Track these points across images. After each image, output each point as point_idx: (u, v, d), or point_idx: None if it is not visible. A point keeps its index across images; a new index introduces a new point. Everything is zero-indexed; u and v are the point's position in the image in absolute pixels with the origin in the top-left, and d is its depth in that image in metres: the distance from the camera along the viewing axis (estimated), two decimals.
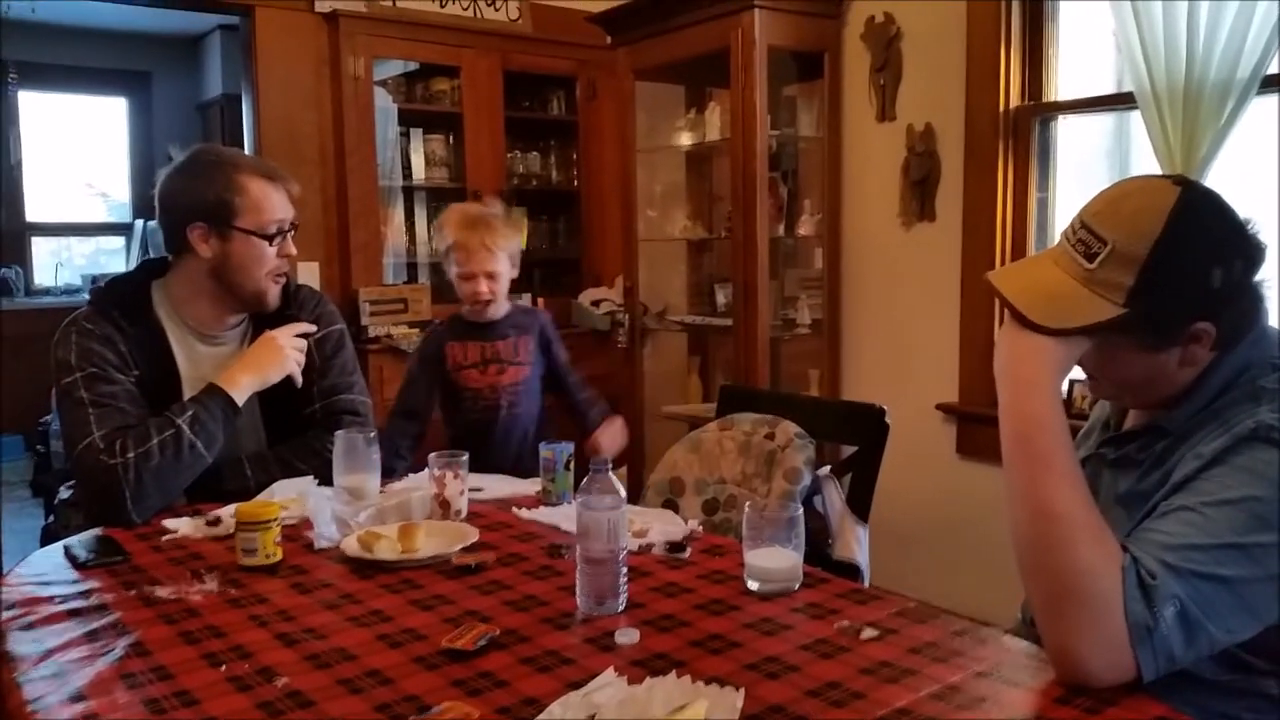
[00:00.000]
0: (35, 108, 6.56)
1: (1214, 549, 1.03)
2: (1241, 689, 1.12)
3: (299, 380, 1.93)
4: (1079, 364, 1.19)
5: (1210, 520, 1.05)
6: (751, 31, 3.25)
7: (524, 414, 2.48)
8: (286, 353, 1.91)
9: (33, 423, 5.39)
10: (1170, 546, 1.04)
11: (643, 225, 3.97)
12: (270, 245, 1.90)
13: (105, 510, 1.73)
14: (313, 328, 1.98)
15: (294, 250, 1.96)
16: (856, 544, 1.96)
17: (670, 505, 2.13)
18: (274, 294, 1.95)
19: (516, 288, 4.21)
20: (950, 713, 1.00)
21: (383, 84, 4.04)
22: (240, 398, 1.84)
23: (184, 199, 1.88)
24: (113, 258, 7.07)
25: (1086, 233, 1.14)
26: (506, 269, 2.44)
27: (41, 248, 6.76)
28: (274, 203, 1.91)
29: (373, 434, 1.81)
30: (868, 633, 1.20)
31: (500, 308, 2.47)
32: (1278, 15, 2.30)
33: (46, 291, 6.55)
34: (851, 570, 1.93)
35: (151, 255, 1.94)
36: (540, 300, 4.25)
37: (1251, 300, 1.16)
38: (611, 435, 2.46)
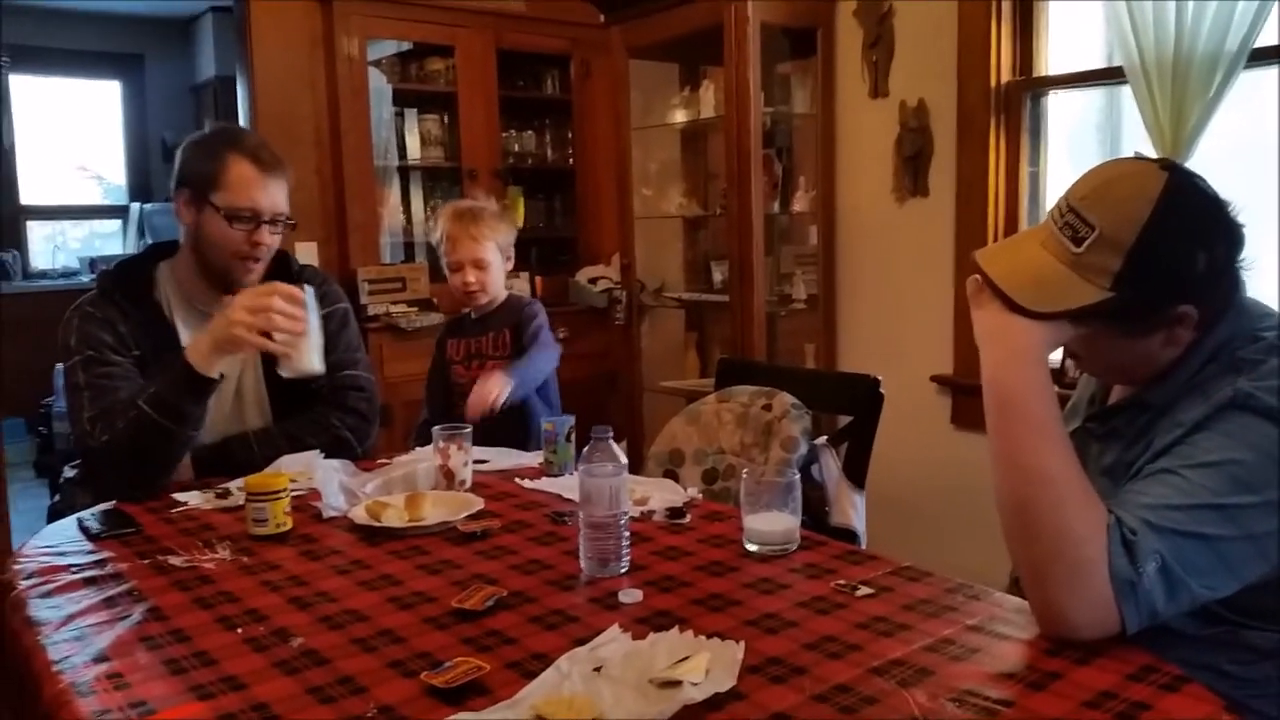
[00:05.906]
0: (28, 91, 6.55)
1: (1193, 509, 1.07)
2: (1224, 641, 1.15)
3: (266, 347, 1.74)
4: (1064, 347, 1.22)
5: (1190, 482, 1.08)
6: (744, 9, 3.26)
7: (511, 408, 2.27)
8: (234, 325, 1.71)
9: (34, 405, 5.43)
10: (1151, 506, 1.08)
11: (638, 203, 3.98)
12: (233, 228, 1.88)
13: (105, 487, 1.78)
14: (299, 292, 1.76)
15: (269, 241, 1.92)
16: (853, 510, 2.01)
17: (670, 475, 2.16)
18: (248, 278, 1.92)
19: (515, 266, 4.26)
20: (943, 663, 1.04)
21: (377, 64, 4.03)
22: (204, 366, 1.74)
23: (180, 163, 1.93)
24: (108, 240, 7.07)
25: (1074, 216, 1.16)
26: (496, 259, 2.42)
27: (36, 232, 6.75)
28: (252, 189, 1.88)
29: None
30: (863, 590, 1.24)
31: (490, 299, 2.44)
32: None
33: (44, 275, 6.54)
34: (849, 536, 1.97)
35: (149, 238, 1.95)
36: (538, 279, 4.28)
37: (1231, 281, 1.19)
38: (475, 392, 2.21)
